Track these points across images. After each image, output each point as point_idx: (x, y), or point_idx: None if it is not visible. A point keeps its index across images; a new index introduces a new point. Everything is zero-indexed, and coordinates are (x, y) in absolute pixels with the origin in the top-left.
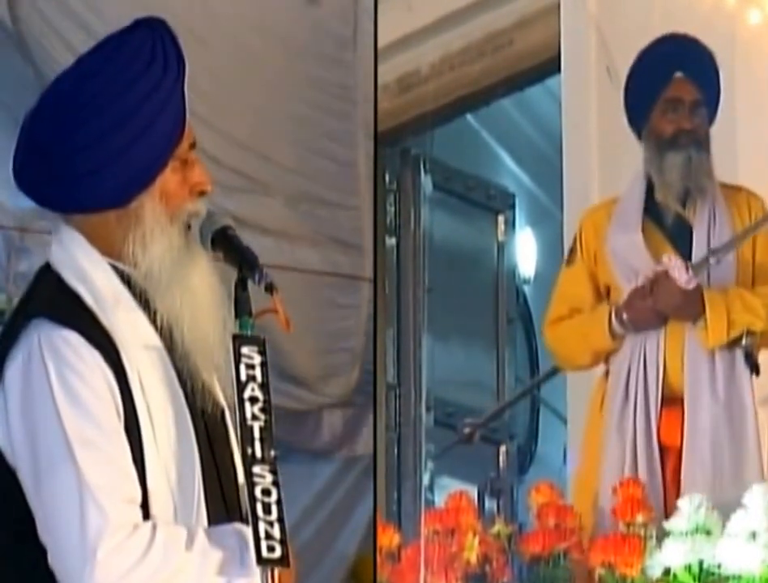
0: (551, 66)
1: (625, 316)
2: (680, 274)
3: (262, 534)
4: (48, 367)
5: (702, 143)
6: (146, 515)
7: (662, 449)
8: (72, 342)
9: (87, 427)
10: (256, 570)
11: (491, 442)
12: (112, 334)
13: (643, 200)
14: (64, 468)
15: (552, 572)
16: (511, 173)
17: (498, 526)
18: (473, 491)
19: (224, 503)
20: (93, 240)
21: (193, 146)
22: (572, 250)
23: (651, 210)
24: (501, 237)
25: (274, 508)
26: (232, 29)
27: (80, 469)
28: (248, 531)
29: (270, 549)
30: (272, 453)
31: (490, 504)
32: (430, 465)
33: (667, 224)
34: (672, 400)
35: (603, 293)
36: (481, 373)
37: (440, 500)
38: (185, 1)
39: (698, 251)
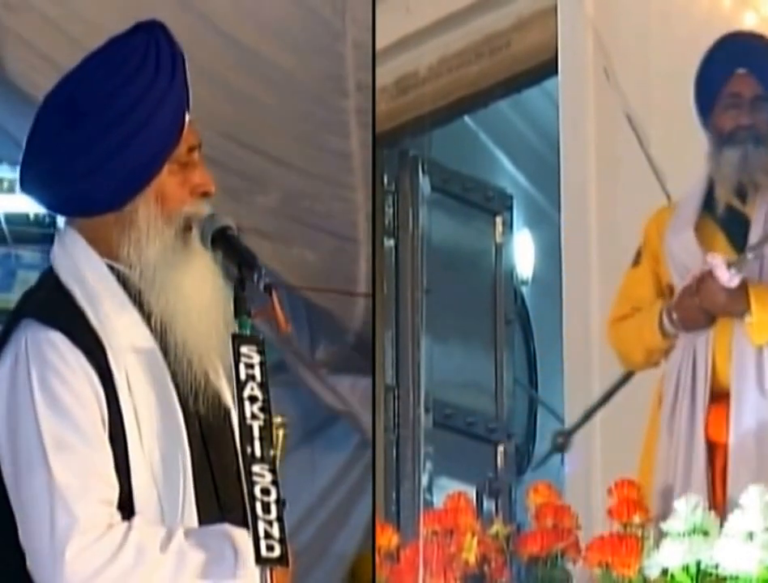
0: (548, 68)
1: (674, 315)
2: (722, 273)
3: (261, 534)
4: (31, 370)
5: (762, 139)
6: (131, 515)
7: (711, 446)
8: (56, 343)
9: (64, 430)
10: (244, 571)
11: (489, 442)
12: (101, 336)
13: (703, 197)
14: (38, 471)
15: (550, 572)
16: (509, 175)
17: (496, 527)
18: (471, 492)
19: (218, 503)
20: (93, 241)
21: (194, 148)
22: (638, 251)
23: (712, 206)
24: (499, 238)
25: (273, 508)
26: (219, 22)
27: (52, 471)
28: (237, 532)
29: (270, 548)
30: (271, 452)
31: (488, 504)
32: (429, 466)
33: (723, 220)
34: (721, 396)
35: (666, 293)
36: (479, 374)
37: (438, 500)
38: None
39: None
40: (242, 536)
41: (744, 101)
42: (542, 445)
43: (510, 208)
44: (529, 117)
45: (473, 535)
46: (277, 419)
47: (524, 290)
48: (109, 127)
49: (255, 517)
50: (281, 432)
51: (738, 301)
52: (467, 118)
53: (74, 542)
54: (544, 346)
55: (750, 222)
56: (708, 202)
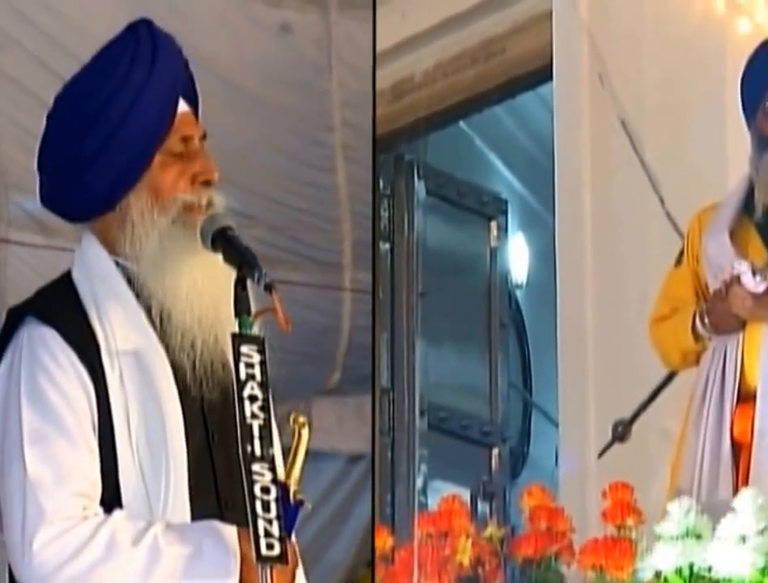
0: (543, 73)
1: (706, 319)
2: (748, 279)
3: (261, 532)
4: (22, 368)
5: None
6: (118, 508)
7: (736, 446)
8: (49, 341)
9: (44, 426)
10: (226, 569)
11: (483, 445)
12: (98, 334)
13: (742, 200)
14: (15, 464)
15: (544, 574)
16: (503, 179)
17: (491, 529)
18: (466, 495)
19: (217, 500)
20: (102, 240)
21: (189, 138)
22: (680, 251)
23: (751, 209)
24: (493, 243)
25: (273, 506)
26: (205, 60)
27: (25, 464)
28: (224, 529)
29: (270, 547)
30: (271, 451)
31: (483, 507)
32: (423, 468)
33: (762, 224)
34: (748, 397)
35: (703, 293)
36: (474, 378)
37: (433, 503)
38: None
39: None
40: (230, 532)
41: None
42: (536, 448)
43: (505, 212)
44: (524, 121)
45: (467, 538)
46: (300, 419)
47: (519, 294)
48: (88, 127)
49: (255, 516)
50: (305, 431)
51: (766, 307)
52: (462, 123)
53: (41, 533)
54: (538, 349)
55: None
56: (748, 204)
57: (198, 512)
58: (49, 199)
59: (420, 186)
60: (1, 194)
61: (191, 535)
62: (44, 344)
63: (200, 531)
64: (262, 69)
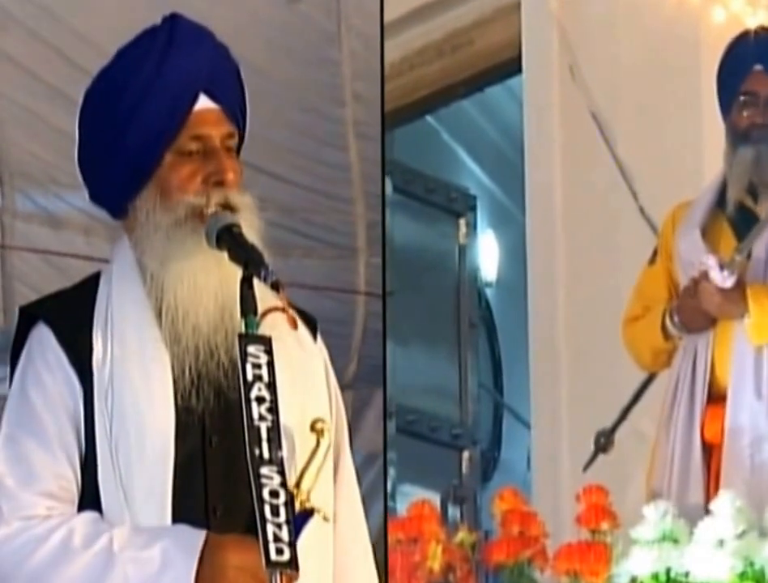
0: (512, 66)
1: (676, 317)
2: (716, 274)
3: (270, 537)
4: (18, 368)
5: None
6: (98, 510)
7: (707, 447)
8: (43, 341)
9: (19, 425)
10: (181, 573)
11: (453, 448)
12: (95, 337)
13: (715, 196)
14: None
15: (517, 580)
16: (472, 175)
17: (462, 534)
18: (436, 499)
19: (205, 506)
20: (129, 238)
21: (202, 137)
22: (655, 249)
23: (724, 205)
24: (462, 240)
25: (282, 510)
26: (215, 32)
27: None
28: (191, 533)
29: (279, 552)
30: (279, 453)
31: (453, 511)
32: (392, 472)
33: (735, 220)
34: (719, 398)
35: (678, 292)
36: (443, 379)
37: (402, 507)
38: (160, 6)
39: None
40: (195, 536)
41: (759, 99)
42: (508, 451)
43: (474, 209)
44: (493, 115)
45: (438, 543)
46: (317, 425)
47: (488, 292)
48: (100, 125)
49: (264, 520)
50: (323, 439)
51: (735, 302)
52: (429, 117)
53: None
54: (509, 349)
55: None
56: (721, 200)
57: (181, 518)
58: (90, 196)
59: (386, 183)
60: (6, 183)
61: (151, 539)
62: (40, 344)
63: (161, 535)
64: (270, 39)
